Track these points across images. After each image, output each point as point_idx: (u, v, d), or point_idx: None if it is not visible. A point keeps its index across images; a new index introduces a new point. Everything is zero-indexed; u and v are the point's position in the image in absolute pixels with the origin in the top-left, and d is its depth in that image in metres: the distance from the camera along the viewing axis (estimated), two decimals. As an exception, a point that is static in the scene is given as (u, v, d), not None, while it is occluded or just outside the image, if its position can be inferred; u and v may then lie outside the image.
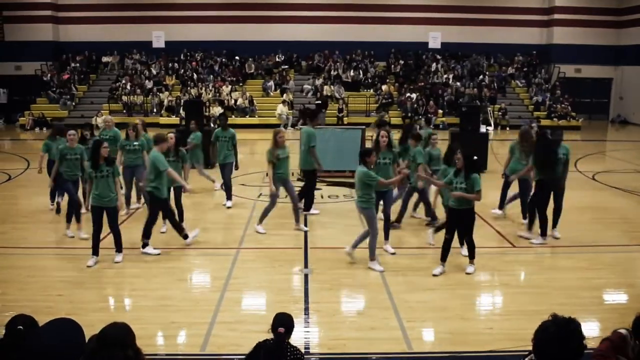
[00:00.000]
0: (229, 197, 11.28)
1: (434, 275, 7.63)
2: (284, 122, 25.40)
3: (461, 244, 8.26)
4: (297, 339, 5.69)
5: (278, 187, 9.41)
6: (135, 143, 10.33)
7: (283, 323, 4.01)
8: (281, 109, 25.81)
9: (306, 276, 7.68)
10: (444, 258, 7.74)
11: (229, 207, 11.07)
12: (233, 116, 25.79)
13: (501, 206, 10.45)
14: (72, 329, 2.66)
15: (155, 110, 26.40)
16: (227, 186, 11.28)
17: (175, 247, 8.96)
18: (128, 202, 10.66)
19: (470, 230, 7.74)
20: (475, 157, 7.81)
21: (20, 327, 3.07)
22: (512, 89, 29.37)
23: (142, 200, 10.60)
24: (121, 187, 8.74)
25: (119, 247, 8.15)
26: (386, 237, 8.57)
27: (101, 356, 2.77)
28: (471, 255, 7.83)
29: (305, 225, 9.80)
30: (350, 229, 9.95)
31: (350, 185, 12.96)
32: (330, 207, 11.40)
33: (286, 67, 29.36)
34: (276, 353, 3.66)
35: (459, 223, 7.71)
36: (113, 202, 7.91)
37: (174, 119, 24.57)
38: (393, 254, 8.43)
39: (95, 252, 8.02)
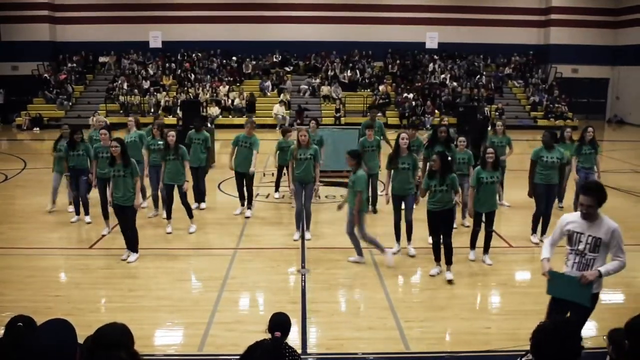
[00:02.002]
0: (202, 199, 11.07)
1: (431, 275, 7.65)
2: (280, 122, 25.39)
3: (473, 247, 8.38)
4: (294, 339, 5.70)
5: (296, 186, 9.09)
6: (160, 142, 10.10)
7: (279, 324, 4.02)
8: (277, 108, 25.81)
9: (304, 276, 7.69)
10: (437, 259, 7.73)
11: (202, 209, 10.94)
12: (230, 116, 25.83)
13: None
14: (66, 329, 2.70)
15: (152, 110, 26.34)
16: (201, 190, 10.94)
17: (173, 247, 8.96)
18: (156, 203, 10.49)
19: (449, 233, 7.59)
20: (450, 158, 7.83)
21: (20, 323, 3.10)
22: (509, 89, 29.41)
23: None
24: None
25: (131, 247, 8.17)
26: (409, 239, 8.55)
27: (97, 356, 2.79)
28: (448, 261, 7.57)
29: (304, 233, 9.33)
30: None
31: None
32: (327, 207, 11.41)
33: (288, 69, 29.34)
34: (273, 354, 3.66)
35: (440, 224, 7.59)
36: (129, 201, 7.99)
37: (172, 119, 24.55)
38: (413, 256, 8.41)
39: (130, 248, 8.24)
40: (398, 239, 8.63)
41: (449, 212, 7.59)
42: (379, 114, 26.06)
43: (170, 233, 9.45)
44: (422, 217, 10.07)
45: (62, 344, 2.65)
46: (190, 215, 9.55)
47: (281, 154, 11.24)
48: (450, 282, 7.40)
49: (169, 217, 9.56)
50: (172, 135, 9.39)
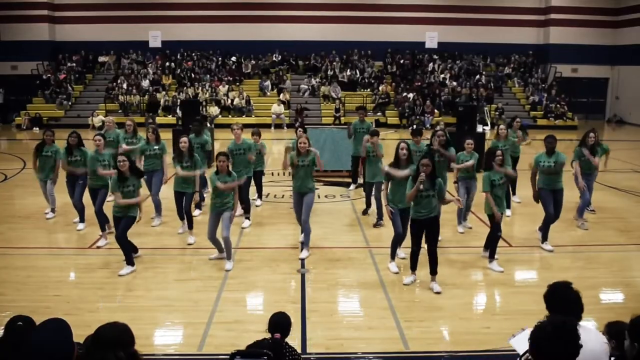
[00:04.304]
0: (199, 207, 10.60)
1: (405, 284, 7.40)
2: (275, 121, 25.40)
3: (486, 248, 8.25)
4: (294, 338, 5.70)
5: (295, 196, 8.60)
6: (155, 147, 9.89)
7: (278, 324, 4.02)
8: (275, 108, 25.79)
9: (303, 276, 7.69)
10: (414, 268, 7.44)
11: (195, 215, 10.26)
12: (230, 116, 25.84)
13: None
14: (63, 329, 2.72)
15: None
16: (201, 196, 10.60)
17: (172, 247, 8.96)
18: (158, 208, 10.11)
19: (435, 240, 7.30)
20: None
21: (20, 322, 3.12)
22: (509, 88, 29.42)
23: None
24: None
25: (126, 259, 7.78)
26: (392, 257, 8.10)
27: (95, 355, 2.80)
28: (433, 271, 7.26)
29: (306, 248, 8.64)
30: (347, 229, 10.00)
31: (347, 185, 13.01)
32: (327, 207, 11.41)
33: (286, 67, 29.36)
34: (274, 353, 3.66)
35: (426, 233, 7.24)
36: (128, 212, 7.75)
37: (171, 119, 24.58)
38: (403, 258, 8.18)
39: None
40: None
41: (434, 220, 7.22)
42: (379, 114, 26.26)
43: (191, 243, 9.03)
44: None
45: (60, 344, 2.67)
46: (190, 226, 9.20)
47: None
48: (438, 293, 7.11)
49: (190, 227, 9.19)
50: (184, 141, 9.00)
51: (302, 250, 8.60)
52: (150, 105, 25.79)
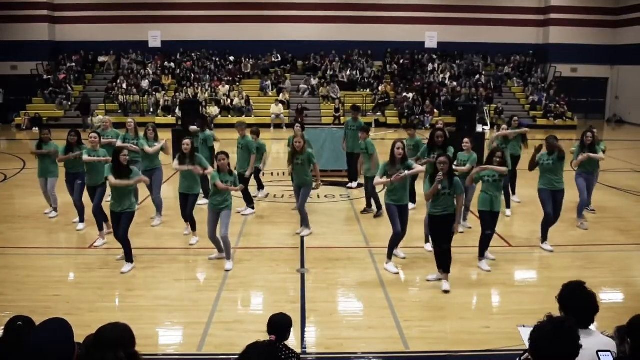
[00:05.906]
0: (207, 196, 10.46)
1: (428, 280, 7.47)
2: (274, 121, 25.39)
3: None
4: (293, 338, 5.70)
5: (295, 188, 9.55)
6: (153, 144, 9.93)
7: (276, 325, 4.01)
8: (274, 108, 25.79)
9: (303, 276, 7.69)
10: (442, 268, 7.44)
11: (200, 204, 10.33)
12: (229, 116, 25.84)
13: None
14: (64, 329, 2.73)
15: (151, 110, 26.35)
16: (205, 189, 10.51)
17: (172, 247, 8.96)
18: (159, 208, 10.12)
19: (450, 238, 7.24)
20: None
21: (20, 322, 3.12)
22: (509, 88, 29.42)
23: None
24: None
25: (126, 257, 7.85)
26: (389, 257, 8.11)
27: (94, 355, 2.81)
28: (446, 269, 7.25)
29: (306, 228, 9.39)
30: (346, 229, 10.00)
31: (346, 185, 13.01)
32: (326, 207, 11.41)
33: (288, 67, 29.36)
34: (268, 355, 3.64)
35: (443, 230, 7.24)
36: (122, 208, 7.74)
37: (171, 119, 24.58)
38: (403, 258, 8.29)
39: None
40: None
41: (449, 218, 7.19)
42: (379, 114, 26.28)
43: (193, 244, 8.99)
44: (418, 217, 10.10)
45: (60, 343, 2.67)
46: (194, 228, 9.13)
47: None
48: (446, 292, 7.10)
49: (193, 229, 9.11)
50: (186, 143, 8.83)
51: (301, 227, 9.25)
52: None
